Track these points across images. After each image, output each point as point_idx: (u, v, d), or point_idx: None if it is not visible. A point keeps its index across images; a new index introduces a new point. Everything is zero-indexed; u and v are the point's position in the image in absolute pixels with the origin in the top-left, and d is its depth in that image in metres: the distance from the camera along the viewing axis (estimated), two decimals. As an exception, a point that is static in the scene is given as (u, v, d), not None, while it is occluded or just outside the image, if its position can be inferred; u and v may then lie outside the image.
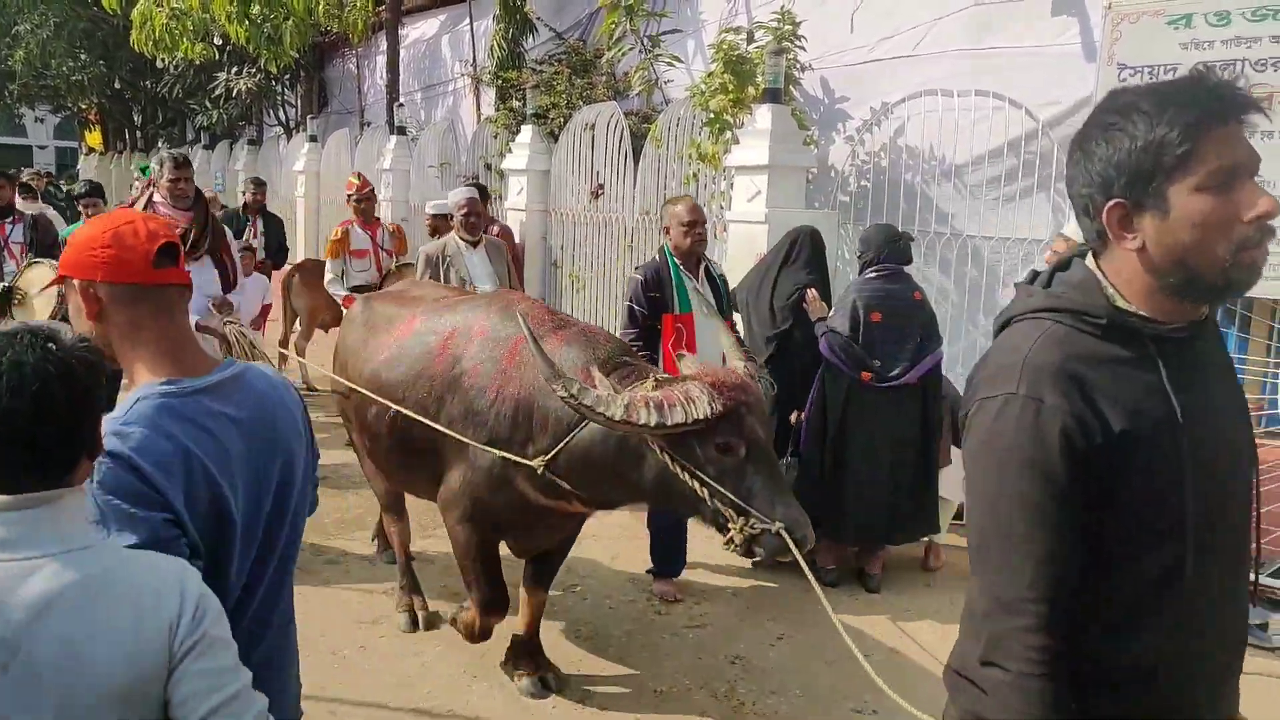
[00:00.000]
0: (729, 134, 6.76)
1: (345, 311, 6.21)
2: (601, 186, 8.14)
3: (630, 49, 8.37)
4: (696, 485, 2.88)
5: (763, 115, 6.29)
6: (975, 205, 6.34)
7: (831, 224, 6.57)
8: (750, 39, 6.97)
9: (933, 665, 4.11)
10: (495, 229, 7.74)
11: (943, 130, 6.40)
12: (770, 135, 6.18)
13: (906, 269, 5.02)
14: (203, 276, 4.76)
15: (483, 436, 3.37)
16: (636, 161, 7.70)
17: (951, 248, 6.39)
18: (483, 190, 8.16)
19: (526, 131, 8.93)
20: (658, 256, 4.68)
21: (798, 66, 6.95)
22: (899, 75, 6.74)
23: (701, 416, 2.83)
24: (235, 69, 14.93)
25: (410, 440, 3.66)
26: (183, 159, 5.07)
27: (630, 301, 4.57)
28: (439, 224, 8.04)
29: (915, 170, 6.61)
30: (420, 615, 4.36)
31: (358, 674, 3.93)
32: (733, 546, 2.90)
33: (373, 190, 7.59)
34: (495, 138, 9.99)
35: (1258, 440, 4.93)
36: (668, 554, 4.83)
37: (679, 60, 8.13)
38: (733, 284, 5.17)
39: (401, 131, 11.51)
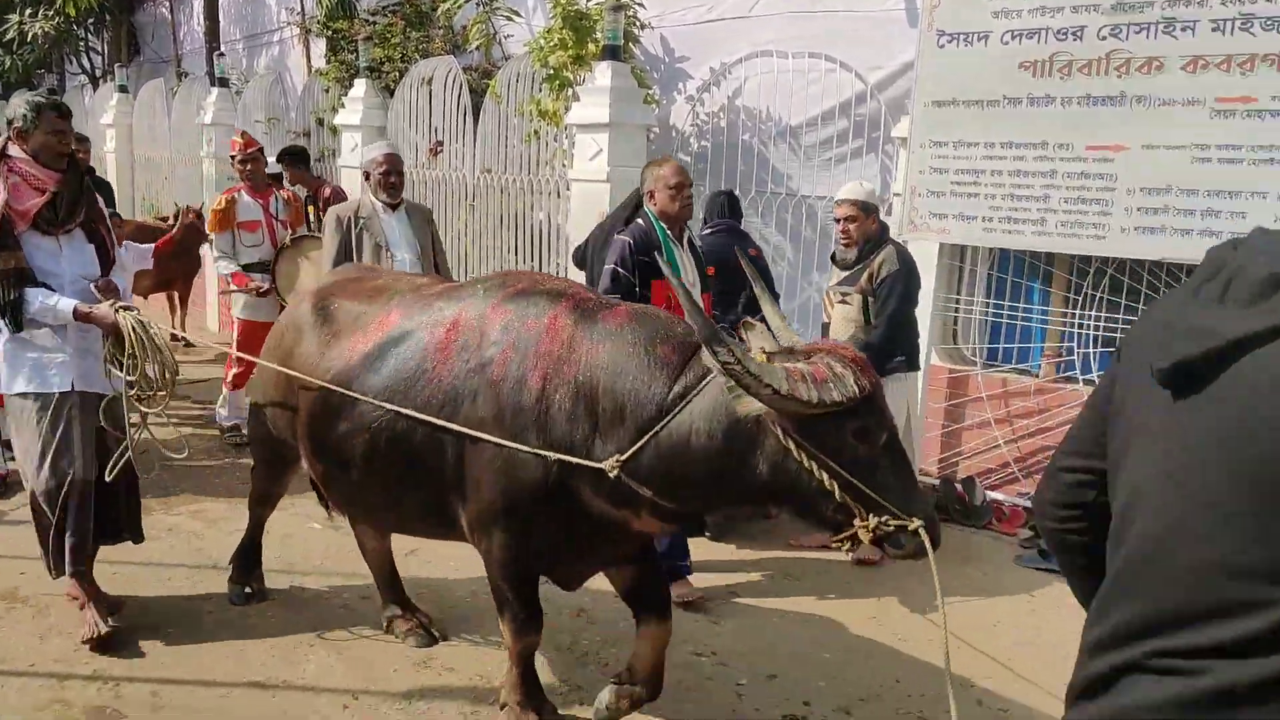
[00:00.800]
0: (569, 91, 6.72)
1: (278, 313, 5.37)
2: (440, 143, 7.94)
3: (467, 1, 8.16)
4: (825, 478, 2.50)
5: (602, 72, 6.28)
6: (810, 166, 6.55)
7: (672, 183, 6.64)
8: (589, -6, 6.93)
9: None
10: (327, 190, 7.42)
11: (778, 92, 6.57)
12: (610, 93, 6.17)
13: (744, 227, 5.19)
14: (76, 253, 3.83)
15: (532, 438, 2.82)
16: (476, 118, 7.55)
17: (788, 207, 6.60)
18: (301, 153, 7.79)
19: (360, 85, 8.59)
20: (641, 221, 4.32)
21: (637, 24, 6.97)
22: (736, 36, 6.85)
23: (853, 395, 2.49)
24: (29, 10, 13.65)
25: (405, 458, 3.09)
26: (65, 107, 3.93)
27: (615, 264, 4.18)
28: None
29: (753, 131, 6.77)
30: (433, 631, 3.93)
31: None
32: (847, 546, 2.61)
33: (261, 150, 6.56)
34: (327, 92, 9.57)
35: (1054, 384, 5.32)
36: (671, 551, 4.35)
37: (517, 15, 8.00)
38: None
39: (224, 83, 10.82)
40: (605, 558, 3.20)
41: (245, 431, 5.87)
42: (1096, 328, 5.44)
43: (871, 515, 2.48)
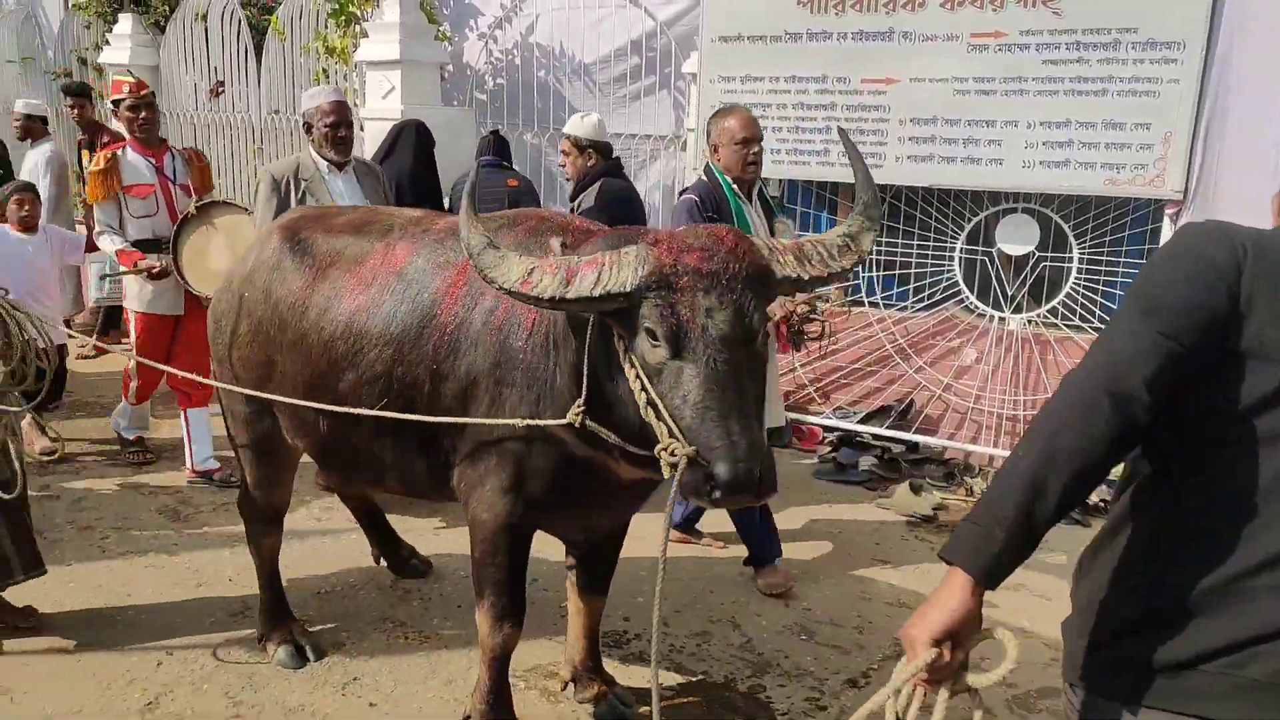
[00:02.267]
0: (357, 27, 6.47)
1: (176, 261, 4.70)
2: (221, 84, 7.49)
3: (241, -70, 7.66)
4: (638, 391, 2.17)
5: (390, 7, 6.09)
6: (605, 103, 6.62)
7: (469, 121, 6.57)
8: (373, -75, 6.65)
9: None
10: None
11: (570, 29, 6.57)
12: (400, 29, 6.01)
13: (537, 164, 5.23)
14: None
15: (521, 383, 2.57)
16: (259, 56, 7.15)
17: (586, 144, 6.64)
18: (84, 88, 7.16)
19: (126, 21, 7.94)
20: (705, 177, 4.00)
21: (426, -43, 6.76)
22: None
23: (615, 288, 2.12)
24: None
25: (410, 408, 2.76)
26: None
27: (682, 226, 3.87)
28: (32, 126, 6.99)
29: (548, 69, 6.75)
30: (305, 643, 3.46)
31: None
32: (668, 477, 2.10)
33: (152, 94, 5.17)
34: (88, 28, 8.77)
35: (842, 308, 5.64)
36: (756, 535, 4.12)
37: (297, -55, 7.58)
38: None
39: (-37, 19, 9.73)
40: (602, 511, 2.91)
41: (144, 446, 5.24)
42: (878, 252, 5.84)
43: (670, 439, 2.08)
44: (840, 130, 2.66)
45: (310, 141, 4.52)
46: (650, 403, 2.13)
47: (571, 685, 3.26)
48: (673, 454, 2.06)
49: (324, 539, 4.46)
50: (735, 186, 3.96)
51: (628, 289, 2.12)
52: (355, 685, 3.30)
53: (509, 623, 2.83)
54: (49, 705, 3.10)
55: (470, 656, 3.45)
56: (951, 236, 5.68)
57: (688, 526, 4.50)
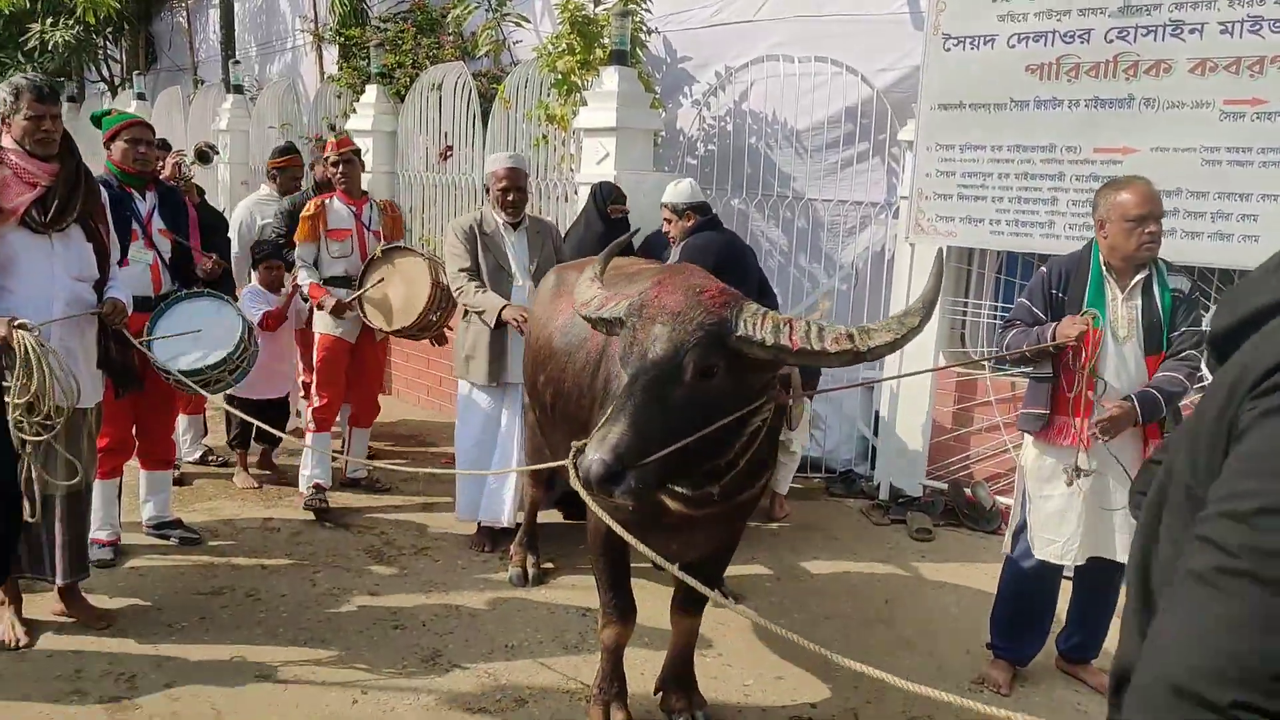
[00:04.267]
0: (576, 95, 6.74)
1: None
2: (450, 148, 7.98)
3: (476, 8, 8.21)
4: None
5: (609, 77, 6.30)
6: (815, 168, 6.55)
7: (680, 186, 6.66)
8: (596, 1, 6.95)
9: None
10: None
11: (784, 95, 6.57)
12: (617, 97, 6.20)
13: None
14: (72, 253, 3.70)
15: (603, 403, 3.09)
16: (485, 123, 7.58)
17: (794, 209, 6.60)
18: (290, 148, 7.44)
19: (371, 91, 8.65)
20: (1081, 251, 3.67)
21: (644, 29, 6.99)
22: (742, 39, 6.86)
23: (612, 314, 2.66)
24: (50, 19, 13.81)
25: (564, 416, 3.47)
26: (48, 89, 3.63)
27: (1023, 296, 3.77)
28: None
29: (759, 134, 6.77)
30: (531, 571, 4.60)
31: (197, 647, 3.79)
32: None
33: (358, 150, 5.84)
34: (339, 97, 9.62)
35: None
36: (1082, 638, 3.93)
37: (526, 20, 8.03)
38: None
39: (239, 90, 10.93)
40: (678, 541, 3.09)
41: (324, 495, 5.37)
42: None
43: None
44: (940, 251, 2.75)
45: (488, 201, 4.87)
46: None
47: (661, 694, 3.55)
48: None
49: (515, 589, 4.53)
50: (1116, 266, 3.51)
51: (621, 316, 2.58)
52: (536, 744, 3.29)
53: (614, 620, 3.28)
54: (257, 731, 3.27)
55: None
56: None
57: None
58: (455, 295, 4.89)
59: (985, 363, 5.83)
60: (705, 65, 7.09)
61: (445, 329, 5.68)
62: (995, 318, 5.90)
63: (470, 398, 4.98)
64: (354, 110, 8.92)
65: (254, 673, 3.65)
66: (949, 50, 5.52)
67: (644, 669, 3.72)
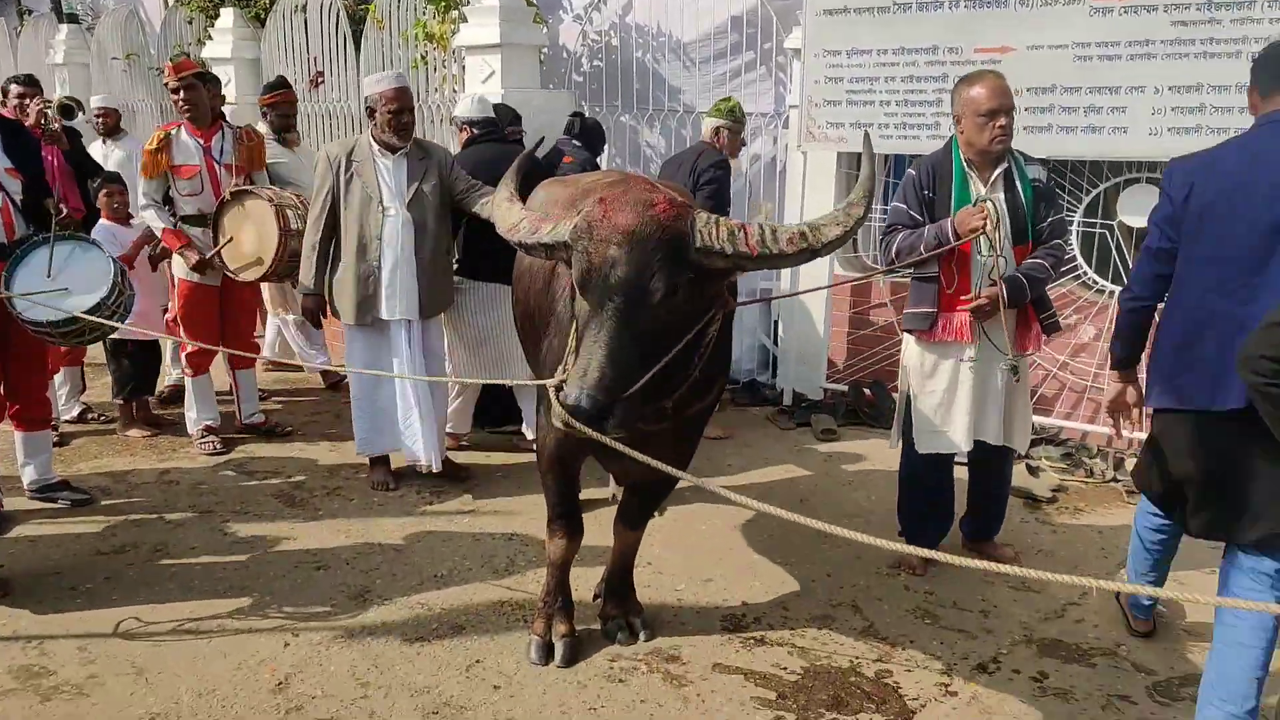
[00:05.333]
0: (455, 12, 6.48)
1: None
2: (321, 74, 7.59)
3: (338, -79, 7.74)
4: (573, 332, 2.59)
5: (491, -10, 6.08)
6: (704, 80, 6.51)
7: (568, 104, 6.52)
8: (468, -90, 6.64)
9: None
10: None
11: (668, 8, 6.48)
12: (499, 12, 5.98)
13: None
14: None
15: (553, 331, 3.12)
16: (358, 46, 7.22)
17: (685, 123, 6.56)
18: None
19: (227, 15, 8.11)
20: (941, 151, 3.76)
21: (519, -60, 6.73)
22: (621, -50, 6.70)
23: (554, 239, 2.48)
24: None
25: (531, 333, 3.46)
26: None
27: (896, 200, 3.79)
28: (108, 122, 7.03)
29: (645, 48, 6.67)
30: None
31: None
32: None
33: (202, 74, 5.39)
34: (190, 23, 8.99)
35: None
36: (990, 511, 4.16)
37: (393, -66, 7.62)
38: None
39: (73, 19, 10.09)
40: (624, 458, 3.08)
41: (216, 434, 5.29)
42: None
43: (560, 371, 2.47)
44: (865, 134, 2.75)
45: (372, 125, 4.54)
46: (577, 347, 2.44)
47: (600, 600, 3.61)
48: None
49: (436, 521, 4.49)
50: (976, 160, 3.63)
51: (564, 239, 2.43)
52: (478, 668, 3.29)
53: (560, 533, 3.32)
54: (183, 686, 3.16)
55: (590, 640, 3.44)
56: (1069, 209, 5.43)
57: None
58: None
59: (881, 275, 5.98)
60: (584, -23, 6.90)
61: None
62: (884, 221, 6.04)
63: (350, 337, 4.76)
64: (209, 37, 8.36)
65: (173, 628, 3.52)
66: (834, -43, 5.51)
67: (580, 585, 3.75)
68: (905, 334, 3.93)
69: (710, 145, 5.45)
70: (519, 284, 3.66)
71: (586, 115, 5.86)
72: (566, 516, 3.32)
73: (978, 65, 5.22)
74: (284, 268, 5.03)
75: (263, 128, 6.09)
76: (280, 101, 6.21)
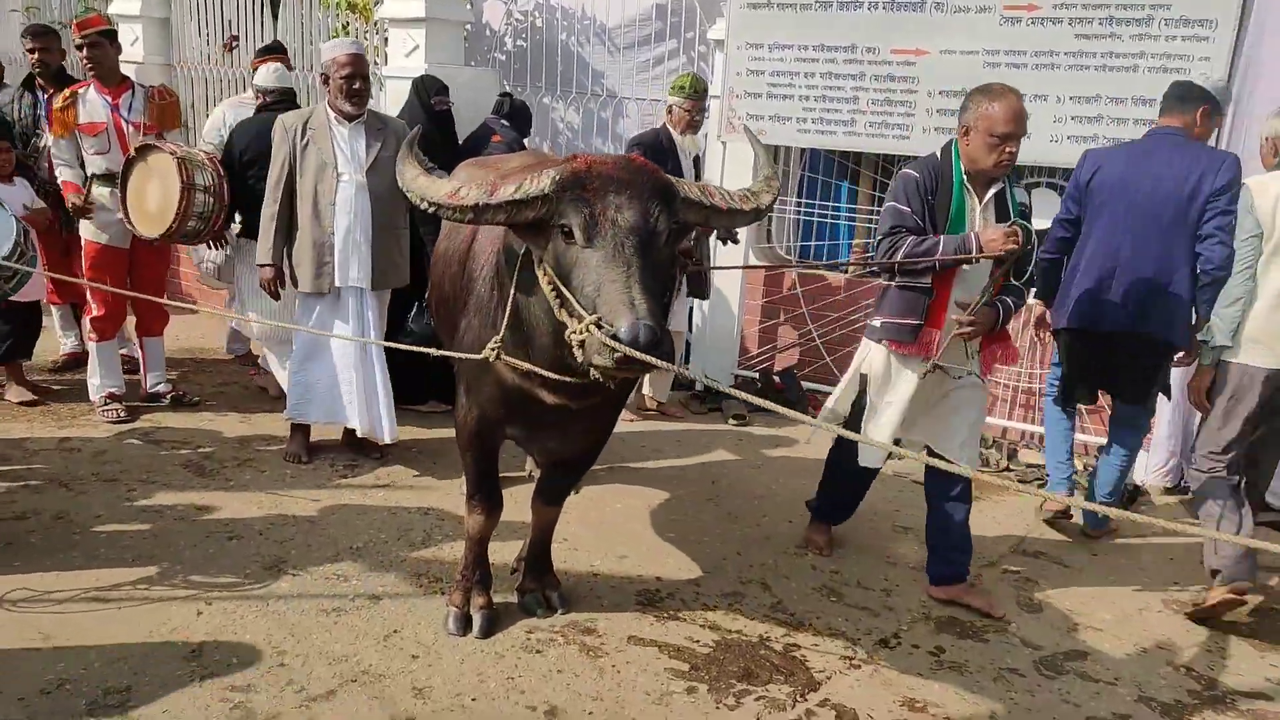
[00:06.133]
0: (379, -18, 6.39)
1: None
2: (235, 38, 7.37)
3: (256, -119, 7.51)
4: (551, 296, 2.43)
5: (416, -38, 6.01)
6: (627, 66, 6.58)
7: (492, 81, 6.51)
8: (395, -121, 6.54)
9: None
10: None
11: (594, -9, 6.51)
12: (424, -15, 5.93)
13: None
14: None
15: (472, 310, 3.07)
16: (275, 11, 7.04)
17: (607, 107, 6.62)
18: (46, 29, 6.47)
19: (136, -30, 7.79)
20: (939, 155, 3.57)
21: (446, -87, 6.66)
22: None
23: (535, 192, 2.40)
24: None
25: (450, 319, 3.36)
26: None
27: (894, 200, 3.55)
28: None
29: (569, 30, 6.70)
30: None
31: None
32: (581, 360, 2.31)
33: (107, 31, 5.23)
34: (95, -23, 8.60)
35: (862, 279, 5.67)
36: (950, 548, 3.84)
37: (315, -102, 7.44)
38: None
39: (-35, -35, 9.52)
40: (552, 435, 3.24)
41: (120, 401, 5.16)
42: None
43: (575, 321, 2.30)
44: (745, 128, 3.31)
45: (327, 93, 4.52)
46: (560, 298, 2.38)
47: (518, 575, 3.67)
48: (579, 332, 2.27)
49: (350, 494, 4.47)
50: (972, 174, 3.49)
51: (546, 191, 2.40)
52: (396, 638, 3.32)
53: (479, 509, 3.36)
54: (93, 652, 3.10)
55: (508, 613, 3.50)
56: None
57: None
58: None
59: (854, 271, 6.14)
60: (511, -45, 6.88)
61: (223, 235, 5.16)
62: (799, 214, 6.23)
63: (303, 305, 4.67)
64: (117, -8, 8.02)
65: (80, 595, 3.43)
66: (757, -50, 5.64)
67: (497, 559, 3.80)
68: (871, 342, 3.73)
69: (664, 124, 5.49)
70: (435, 270, 3.66)
71: (515, 96, 5.87)
72: (486, 492, 3.36)
73: (893, 65, 5.48)
74: (191, 226, 4.87)
75: (250, 92, 5.78)
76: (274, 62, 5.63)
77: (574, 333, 2.29)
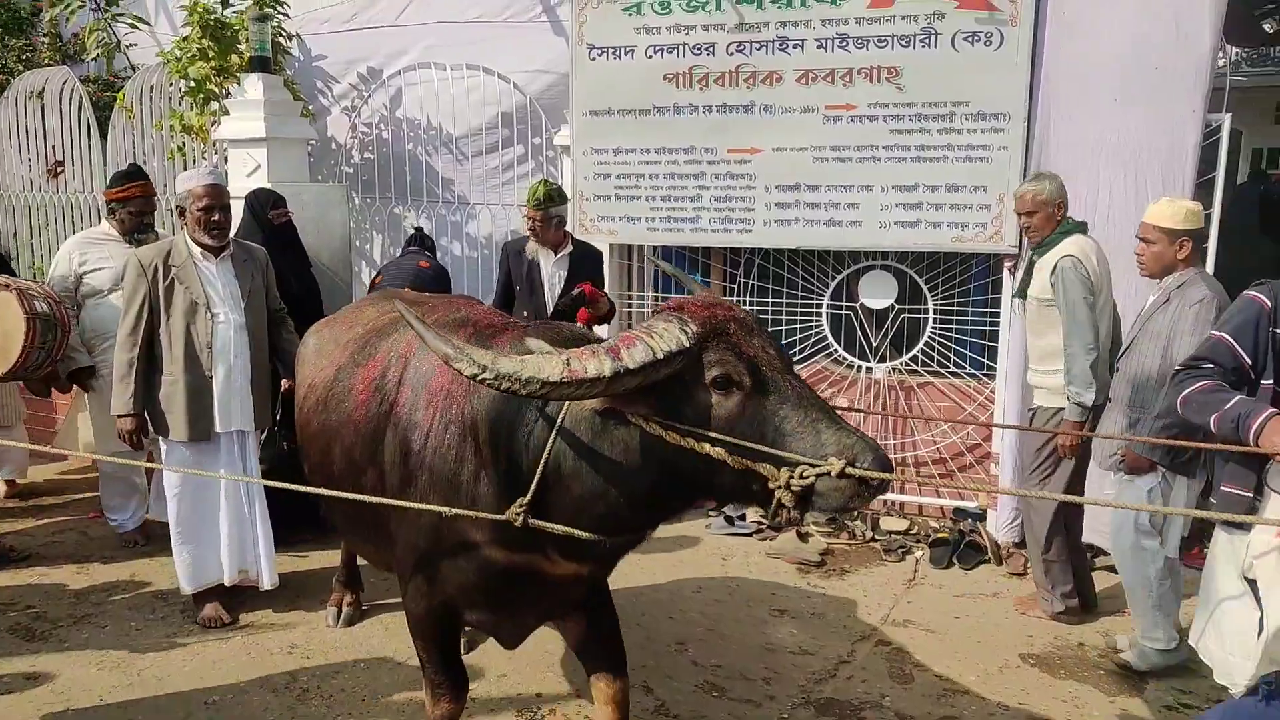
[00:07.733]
0: (215, 105, 6.30)
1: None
2: (60, 163, 7.10)
3: (81, 6, 7.32)
4: (708, 448, 2.13)
5: (253, 85, 5.96)
6: (477, 174, 6.65)
7: (339, 196, 6.47)
8: (225, 3, 6.52)
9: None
10: None
11: (439, 101, 6.59)
12: (264, 106, 5.88)
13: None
14: None
15: (424, 481, 2.64)
16: (104, 134, 6.83)
17: (460, 213, 6.66)
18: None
19: (-50, 98, 7.44)
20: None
21: (284, 34, 6.67)
22: (389, 42, 6.74)
23: (675, 347, 2.13)
24: None
25: (352, 504, 2.87)
26: None
27: (1227, 332, 2.89)
28: None
29: (416, 140, 6.75)
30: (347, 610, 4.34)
31: None
32: (785, 515, 2.09)
33: None
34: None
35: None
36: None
37: (143, 22, 7.31)
38: None
39: None
40: (539, 610, 2.90)
41: None
42: (750, 310, 6.05)
43: (783, 470, 2.07)
44: (661, 263, 3.42)
45: (184, 226, 4.28)
46: (737, 450, 2.11)
47: None
48: (802, 476, 2.04)
49: (205, 641, 4.21)
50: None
51: (687, 345, 2.15)
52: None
53: (445, 698, 2.95)
54: None
55: (385, 752, 3.34)
56: (818, 294, 5.95)
57: None
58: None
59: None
60: (349, 69, 6.91)
61: (55, 373, 4.83)
62: (656, 306, 6.36)
63: (171, 454, 4.33)
64: (-73, 120, 7.62)
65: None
66: (594, 60, 5.86)
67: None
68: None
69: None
70: (305, 404, 3.41)
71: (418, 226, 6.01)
72: (452, 677, 2.98)
73: (731, 163, 5.74)
74: (35, 361, 4.52)
75: (107, 226, 5.22)
76: (136, 195, 5.12)
77: (781, 482, 2.06)
